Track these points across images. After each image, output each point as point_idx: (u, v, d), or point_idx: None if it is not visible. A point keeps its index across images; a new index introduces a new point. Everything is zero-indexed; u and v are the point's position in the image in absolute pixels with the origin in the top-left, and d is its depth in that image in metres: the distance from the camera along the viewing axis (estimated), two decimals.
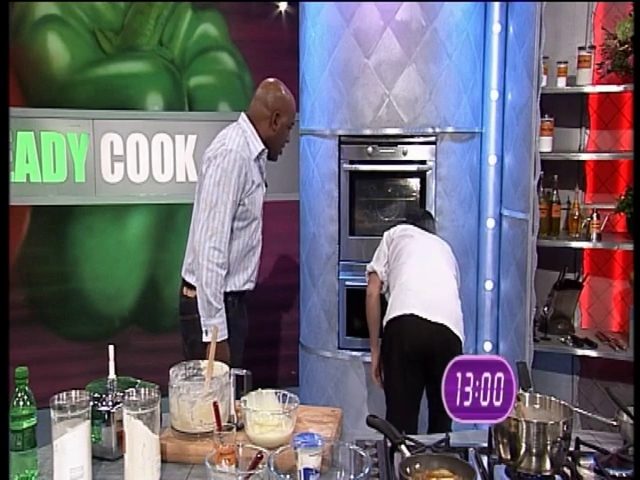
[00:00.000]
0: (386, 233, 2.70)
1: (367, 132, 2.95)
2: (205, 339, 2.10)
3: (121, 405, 1.35)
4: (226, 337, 2.12)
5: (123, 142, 3.35)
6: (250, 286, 2.32)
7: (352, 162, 2.99)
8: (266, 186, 2.36)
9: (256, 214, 2.27)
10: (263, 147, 2.27)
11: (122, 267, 3.42)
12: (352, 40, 2.91)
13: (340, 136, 2.98)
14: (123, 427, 1.32)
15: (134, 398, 1.31)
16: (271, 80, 2.35)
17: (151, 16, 3.35)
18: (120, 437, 1.36)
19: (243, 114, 2.31)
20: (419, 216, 2.80)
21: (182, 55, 3.44)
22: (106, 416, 1.40)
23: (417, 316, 2.35)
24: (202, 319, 2.12)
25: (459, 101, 2.96)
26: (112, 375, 1.48)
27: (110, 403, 1.41)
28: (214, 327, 1.65)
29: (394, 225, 2.74)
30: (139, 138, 3.38)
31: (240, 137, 2.22)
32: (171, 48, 3.40)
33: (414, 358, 2.36)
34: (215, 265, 2.10)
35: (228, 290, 2.20)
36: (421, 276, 2.48)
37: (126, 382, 1.47)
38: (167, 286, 3.48)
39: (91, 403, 1.33)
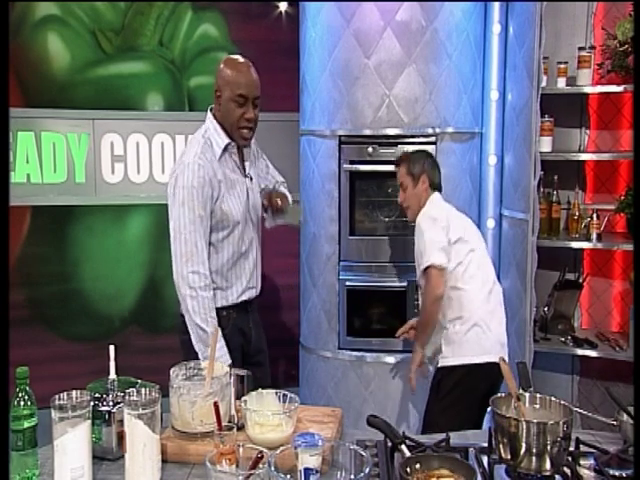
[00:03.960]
0: (434, 214, 2.39)
1: (367, 132, 2.95)
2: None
3: (122, 405, 1.35)
4: (229, 363, 1.92)
5: (123, 142, 3.35)
6: (251, 294, 2.17)
7: (352, 162, 2.99)
8: (251, 180, 2.16)
9: (237, 218, 2.07)
10: (228, 141, 2.07)
11: (122, 267, 3.42)
12: (352, 40, 2.91)
13: (340, 136, 2.98)
14: (124, 427, 1.32)
15: (135, 398, 1.31)
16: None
17: (151, 16, 3.35)
18: (121, 437, 1.36)
19: (209, 111, 2.14)
20: (439, 181, 2.55)
21: (182, 55, 3.44)
22: (107, 416, 1.40)
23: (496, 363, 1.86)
24: (199, 353, 1.96)
25: (459, 101, 2.96)
26: (113, 375, 1.49)
27: (111, 403, 1.41)
28: (215, 328, 1.63)
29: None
30: (139, 138, 3.38)
31: (198, 142, 2.04)
32: (171, 48, 3.40)
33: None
34: (198, 289, 1.97)
35: (222, 305, 2.07)
36: (489, 305, 2.39)
37: (127, 382, 1.48)
38: (167, 286, 3.47)
39: (92, 403, 1.34)
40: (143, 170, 3.43)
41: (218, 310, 2.05)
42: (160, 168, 3.48)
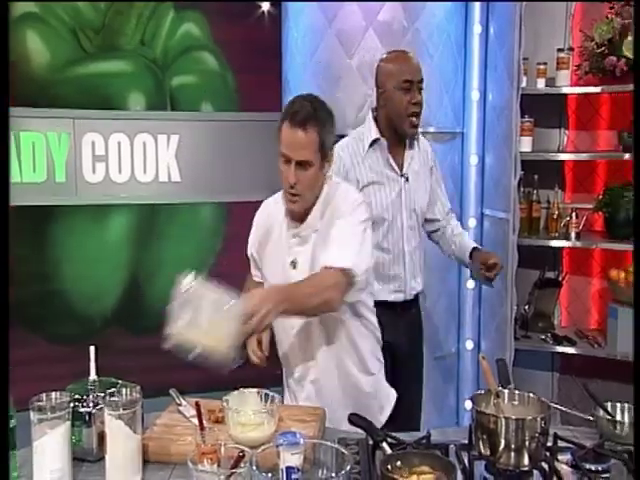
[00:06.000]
0: None
1: (350, 131, 2.95)
2: None
3: (102, 406, 1.34)
4: None
5: (105, 142, 3.32)
6: (397, 297, 2.14)
7: None
8: (407, 180, 2.11)
9: (380, 214, 2.04)
10: (376, 136, 2.08)
11: (104, 268, 3.39)
12: (334, 41, 2.92)
13: None
14: (104, 428, 1.31)
15: (115, 399, 1.31)
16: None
17: (132, 16, 3.32)
18: (101, 438, 1.36)
19: (370, 112, 2.18)
20: None
21: (164, 55, 3.41)
22: (87, 417, 1.39)
23: None
24: None
25: (441, 101, 2.99)
26: (93, 376, 1.48)
27: (91, 404, 1.40)
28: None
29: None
30: (121, 138, 3.35)
31: (351, 135, 2.12)
32: (153, 47, 3.37)
33: None
34: None
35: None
36: None
37: (107, 383, 1.47)
38: (149, 287, 3.45)
39: (72, 404, 1.33)
40: (125, 170, 3.39)
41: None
42: (142, 168, 3.45)
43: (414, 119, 2.07)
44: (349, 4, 2.87)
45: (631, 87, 2.83)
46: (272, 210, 1.83)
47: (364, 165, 2.06)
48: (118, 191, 3.37)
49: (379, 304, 1.94)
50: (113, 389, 1.34)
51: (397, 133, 2.11)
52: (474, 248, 2.23)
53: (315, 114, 1.66)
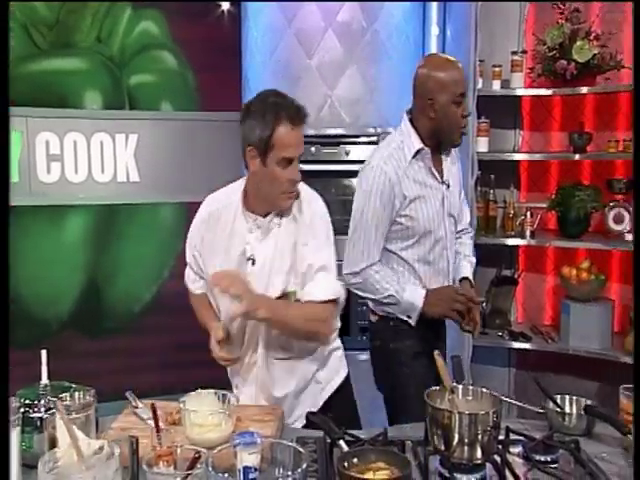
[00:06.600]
0: None
1: (310, 132, 2.95)
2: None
3: (54, 410, 1.32)
4: None
5: (60, 141, 3.25)
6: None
7: None
8: (447, 187, 2.02)
9: (427, 227, 1.96)
10: (420, 147, 1.95)
11: (60, 270, 3.31)
12: (294, 40, 2.93)
13: None
14: (56, 433, 1.28)
15: (68, 403, 1.28)
16: (422, 59, 2.04)
17: (86, 13, 3.26)
18: (53, 444, 1.33)
19: (405, 115, 2.03)
20: None
21: (121, 52, 3.36)
22: (38, 423, 1.36)
23: None
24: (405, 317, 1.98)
25: (400, 102, 3.00)
26: (45, 380, 1.44)
27: (42, 409, 1.37)
28: None
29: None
30: (77, 137, 3.28)
31: (391, 144, 1.97)
32: (110, 45, 3.32)
33: None
34: (354, 288, 1.99)
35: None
36: None
37: (60, 387, 1.44)
38: (108, 289, 3.40)
39: (22, 410, 1.30)
40: (81, 170, 3.33)
41: (397, 319, 2.01)
42: (100, 168, 3.39)
43: (464, 130, 1.99)
44: (308, 4, 2.88)
45: (581, 90, 2.93)
46: (224, 204, 1.76)
47: (408, 178, 1.95)
48: (75, 191, 3.30)
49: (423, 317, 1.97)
50: (66, 393, 1.31)
51: (440, 142, 2.01)
52: (463, 278, 2.15)
53: (300, 107, 1.66)
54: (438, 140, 1.98)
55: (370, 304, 2.09)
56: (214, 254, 1.75)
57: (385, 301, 1.99)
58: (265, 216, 1.71)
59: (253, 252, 1.70)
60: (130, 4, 3.34)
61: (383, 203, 1.92)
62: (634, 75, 2.27)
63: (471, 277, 2.14)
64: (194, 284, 1.87)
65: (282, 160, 1.63)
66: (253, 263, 1.70)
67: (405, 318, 2.00)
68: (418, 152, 1.95)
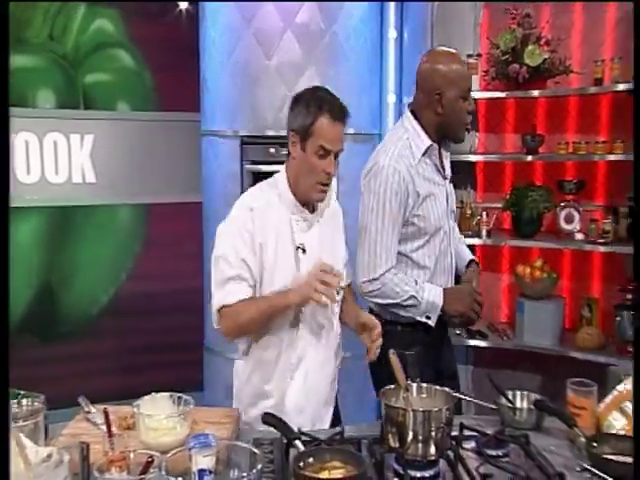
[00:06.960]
0: None
1: (269, 133, 2.96)
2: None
3: None
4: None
5: (11, 141, 3.16)
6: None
7: (254, 163, 2.99)
8: (450, 182, 2.02)
9: (436, 225, 1.94)
10: (429, 143, 1.91)
11: (12, 273, 3.22)
12: (253, 41, 2.91)
13: (242, 137, 2.97)
14: None
15: (15, 410, 1.25)
16: (425, 54, 1.97)
17: (38, 9, 3.18)
18: None
19: (407, 108, 1.98)
20: None
21: (75, 51, 3.30)
22: None
23: None
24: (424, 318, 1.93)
25: (358, 103, 3.04)
26: None
27: None
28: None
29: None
30: (28, 137, 3.21)
31: (396, 143, 1.91)
32: (63, 43, 3.25)
33: None
34: (371, 296, 1.93)
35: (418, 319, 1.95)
36: None
37: None
38: (63, 292, 3.33)
39: None
40: (34, 171, 3.26)
41: (410, 324, 1.95)
42: (53, 169, 3.32)
43: (469, 126, 1.98)
44: (266, 4, 2.87)
45: (532, 93, 3.01)
46: (269, 201, 1.75)
47: (419, 175, 1.91)
48: (27, 193, 3.22)
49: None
50: (13, 401, 1.28)
51: (444, 137, 1.98)
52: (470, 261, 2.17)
53: (343, 106, 1.73)
54: (443, 136, 1.96)
55: (375, 309, 2.00)
56: (270, 246, 1.72)
57: (406, 304, 1.92)
58: (309, 207, 1.77)
59: (302, 242, 1.75)
60: (84, 2, 3.28)
61: (398, 203, 1.87)
62: (634, 75, 2.33)
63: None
64: (246, 290, 1.72)
65: (320, 149, 1.67)
66: (304, 252, 1.74)
67: (424, 320, 1.94)
68: (427, 149, 1.92)
